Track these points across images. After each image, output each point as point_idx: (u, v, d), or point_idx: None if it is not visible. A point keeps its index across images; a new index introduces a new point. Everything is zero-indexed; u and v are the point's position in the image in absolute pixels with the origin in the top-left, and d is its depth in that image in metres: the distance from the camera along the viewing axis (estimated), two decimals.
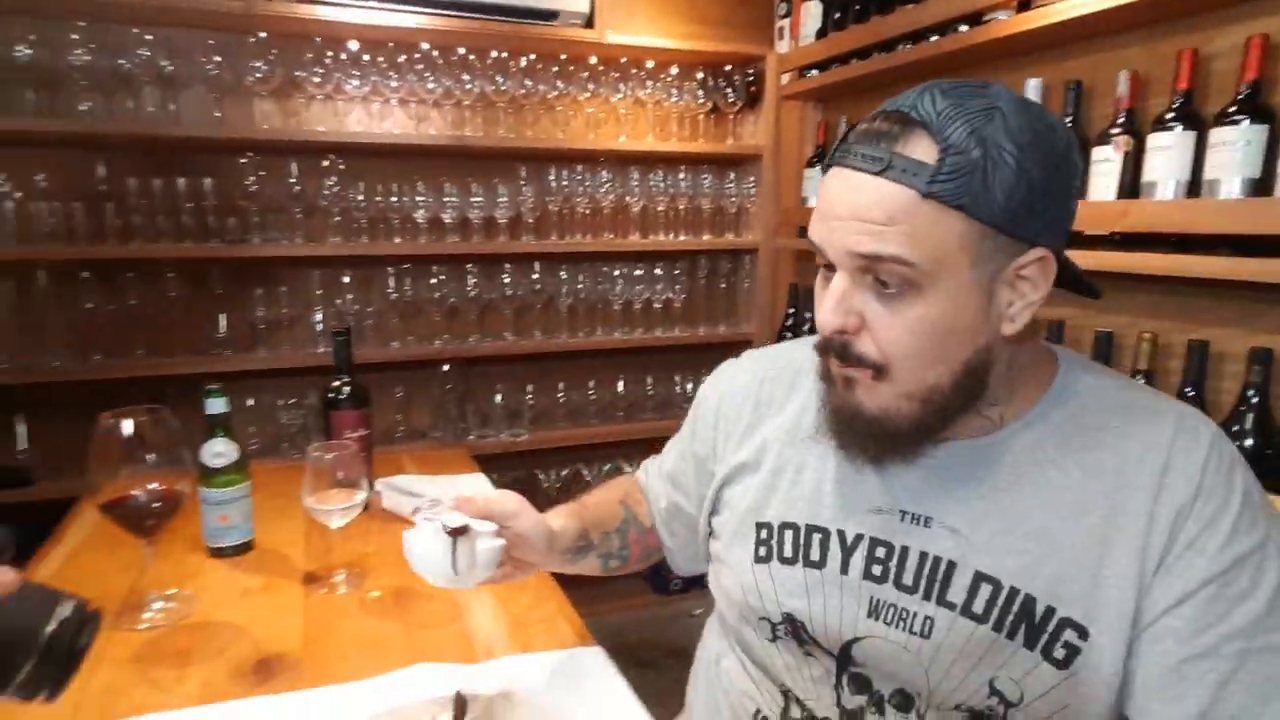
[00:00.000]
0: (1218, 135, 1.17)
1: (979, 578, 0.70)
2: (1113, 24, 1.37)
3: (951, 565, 0.71)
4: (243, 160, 2.03)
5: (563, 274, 2.37)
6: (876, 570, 0.75)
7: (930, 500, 0.73)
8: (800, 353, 0.89)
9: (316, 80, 2.05)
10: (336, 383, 1.38)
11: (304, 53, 2.04)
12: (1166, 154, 1.23)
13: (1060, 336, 1.47)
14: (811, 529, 0.79)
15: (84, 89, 1.87)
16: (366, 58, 2.09)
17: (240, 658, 0.94)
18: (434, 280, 2.24)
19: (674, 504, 0.99)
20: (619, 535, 0.98)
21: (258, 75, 2.00)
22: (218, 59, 1.97)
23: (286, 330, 2.14)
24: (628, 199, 2.40)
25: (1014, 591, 0.69)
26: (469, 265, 2.27)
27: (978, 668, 0.70)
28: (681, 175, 2.43)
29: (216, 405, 1.18)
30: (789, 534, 0.80)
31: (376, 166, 2.16)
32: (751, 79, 2.43)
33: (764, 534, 0.82)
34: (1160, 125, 1.24)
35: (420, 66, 2.14)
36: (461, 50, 2.17)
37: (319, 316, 2.13)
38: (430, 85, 2.15)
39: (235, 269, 2.06)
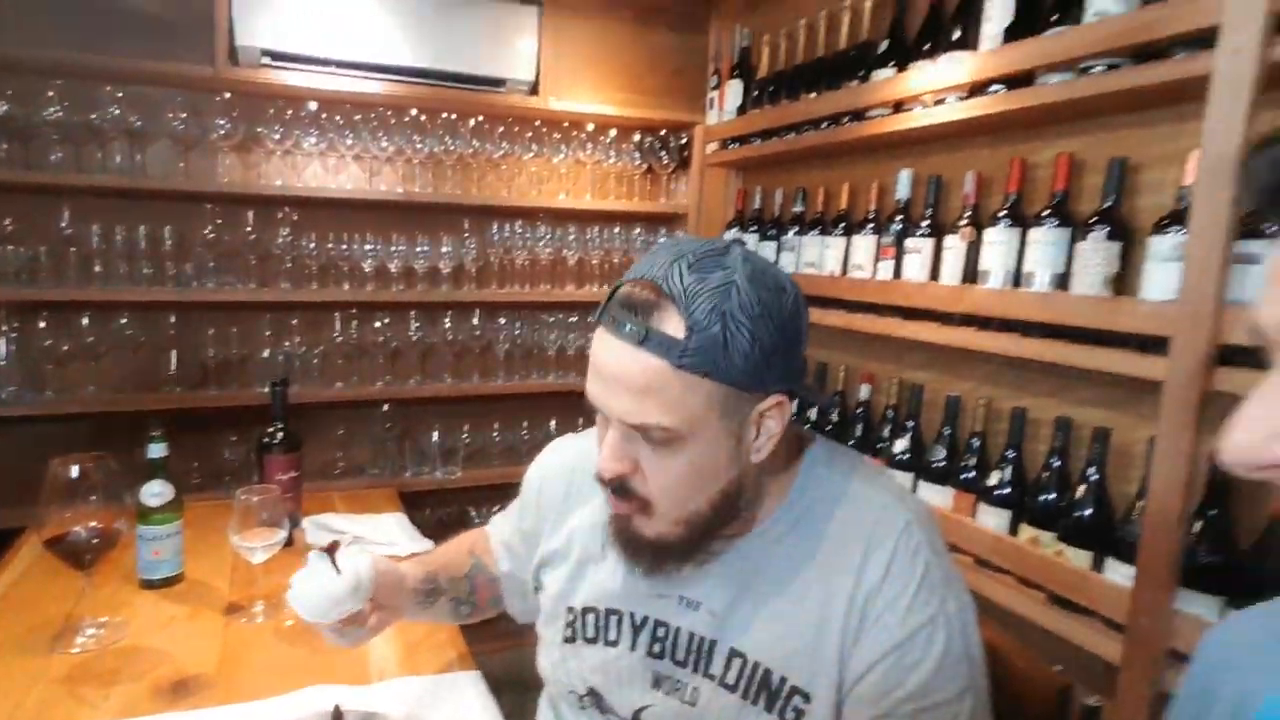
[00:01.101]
0: (1034, 235, 1.37)
1: (732, 653, 0.84)
2: (964, 130, 1.58)
3: (713, 643, 0.85)
4: (204, 209, 2.18)
5: (501, 321, 2.53)
6: (657, 648, 0.88)
7: (698, 587, 0.86)
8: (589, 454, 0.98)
9: (276, 137, 2.21)
10: (271, 429, 1.53)
11: (266, 111, 2.20)
12: (996, 247, 1.43)
13: (920, 397, 1.66)
14: (609, 612, 0.91)
15: (55, 141, 2.02)
16: (324, 116, 2.26)
17: (160, 679, 1.07)
18: (378, 324, 2.39)
19: (510, 571, 1.10)
20: (467, 580, 1.09)
21: (221, 131, 2.15)
22: (184, 115, 2.12)
23: (236, 369, 2.27)
24: (565, 252, 2.57)
25: (757, 665, 0.83)
26: (412, 312, 2.43)
27: None
28: (617, 230, 2.61)
29: (157, 450, 1.33)
30: (590, 617, 0.92)
31: (329, 218, 2.31)
32: (684, 144, 2.63)
33: (570, 617, 0.94)
34: (994, 221, 1.44)
35: (375, 125, 2.31)
36: (414, 112, 2.34)
37: (266, 355, 2.27)
38: (383, 144, 2.32)
39: (187, 311, 2.19)
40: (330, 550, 0.92)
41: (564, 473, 1.01)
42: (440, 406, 2.51)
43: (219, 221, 2.18)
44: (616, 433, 0.78)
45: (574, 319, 2.62)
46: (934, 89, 1.55)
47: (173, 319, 2.18)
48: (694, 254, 0.76)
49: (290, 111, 2.22)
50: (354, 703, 0.99)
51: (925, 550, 0.82)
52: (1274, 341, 0.41)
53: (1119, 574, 1.22)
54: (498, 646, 1.78)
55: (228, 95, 2.14)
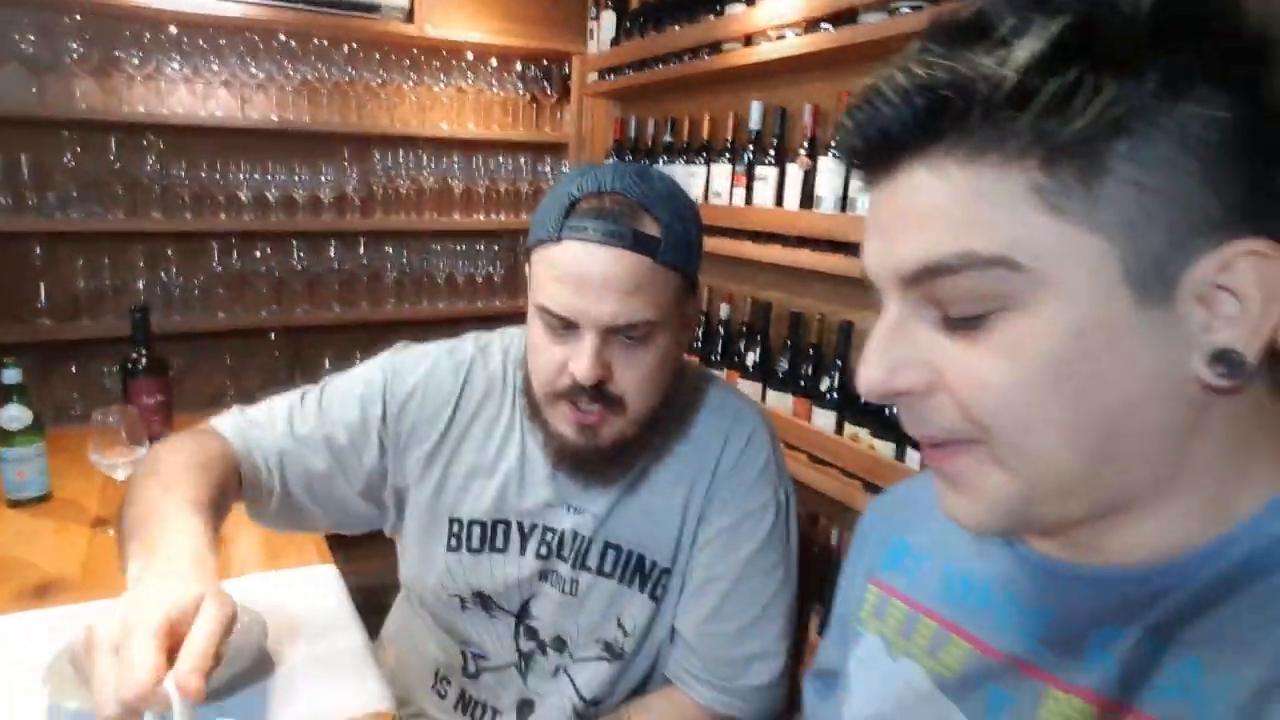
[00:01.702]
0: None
1: (607, 545, 0.97)
2: (802, 64, 1.68)
3: (590, 540, 0.98)
4: (61, 136, 2.11)
5: (389, 250, 2.56)
6: (544, 550, 0.99)
7: (585, 494, 0.97)
8: (485, 370, 1.02)
9: (136, 62, 2.15)
10: (135, 354, 1.56)
11: (122, 33, 2.13)
12: (826, 175, 1.55)
13: (768, 314, 1.80)
14: (497, 523, 0.99)
15: None
16: (187, 41, 2.20)
17: (24, 584, 1.14)
18: (259, 254, 2.39)
19: (329, 472, 0.98)
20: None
21: (75, 55, 2.08)
22: (32, 37, 2.04)
23: (111, 300, 2.24)
24: (450, 180, 2.60)
25: (631, 553, 0.97)
26: (295, 241, 2.43)
27: (609, 610, 0.98)
28: (501, 159, 2.64)
29: (11, 375, 1.35)
30: (476, 529, 0.99)
31: (200, 146, 2.27)
32: (567, 74, 2.66)
33: (455, 528, 1.00)
34: (825, 150, 1.56)
35: (243, 51, 2.26)
36: (283, 37, 2.30)
37: (142, 285, 2.25)
38: (253, 70, 2.28)
39: (54, 241, 2.15)
40: None
41: (450, 385, 1.01)
42: (332, 334, 2.55)
43: (79, 149, 2.12)
44: (595, 338, 0.83)
45: (461, 247, 2.66)
46: (776, 24, 1.65)
47: (38, 250, 2.13)
48: (630, 170, 0.86)
49: (149, 35, 2.15)
50: None
51: (768, 448, 0.98)
52: (878, 286, 0.46)
53: (915, 459, 1.40)
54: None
55: (78, 16, 2.06)
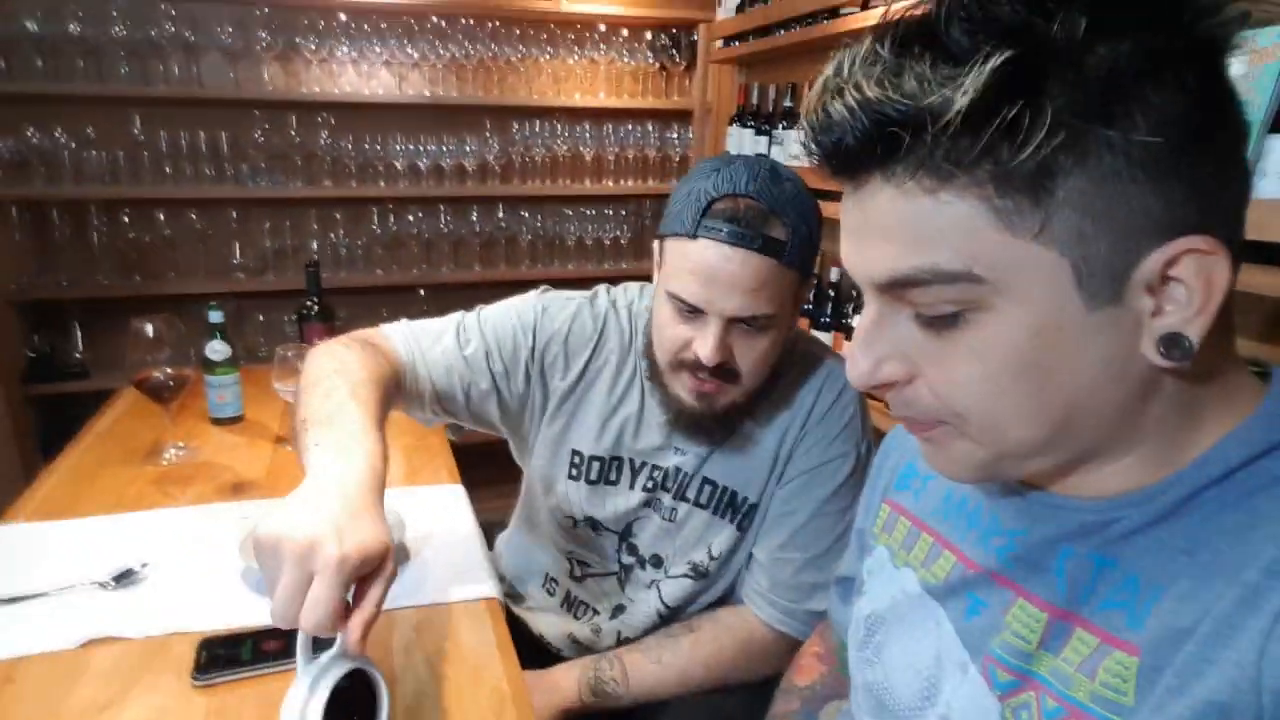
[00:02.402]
0: None
1: (704, 481, 1.10)
2: None
3: (690, 475, 1.10)
4: (252, 115, 2.45)
5: (524, 214, 2.76)
6: (650, 484, 1.12)
7: (690, 438, 1.09)
8: (622, 319, 1.12)
9: (312, 47, 2.44)
10: (308, 303, 1.83)
11: (301, 22, 2.43)
12: None
13: None
14: (613, 459, 1.12)
15: (121, 57, 2.30)
16: (354, 27, 2.47)
17: (224, 483, 1.40)
18: (412, 218, 2.65)
19: (462, 370, 1.07)
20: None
21: (264, 43, 2.39)
22: (230, 29, 2.37)
23: (290, 258, 2.58)
24: (581, 149, 2.76)
25: (725, 489, 1.09)
26: (442, 206, 2.68)
27: (702, 538, 1.11)
28: (631, 128, 2.77)
29: (216, 316, 1.64)
30: (595, 464, 1.12)
31: (363, 121, 2.55)
32: (694, 41, 2.74)
33: (576, 459, 1.13)
34: None
35: (400, 34, 2.51)
36: (435, 18, 2.53)
37: (315, 247, 2.57)
38: (409, 51, 2.52)
39: (246, 207, 2.50)
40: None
41: (589, 329, 1.12)
42: (473, 292, 2.77)
43: (266, 126, 2.44)
44: (720, 326, 0.92)
45: (591, 212, 2.83)
46: None
47: (234, 214, 2.49)
48: (763, 169, 0.93)
49: (323, 23, 2.43)
50: None
51: (854, 405, 1.07)
52: (857, 284, 0.50)
53: None
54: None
55: (266, 9, 2.37)
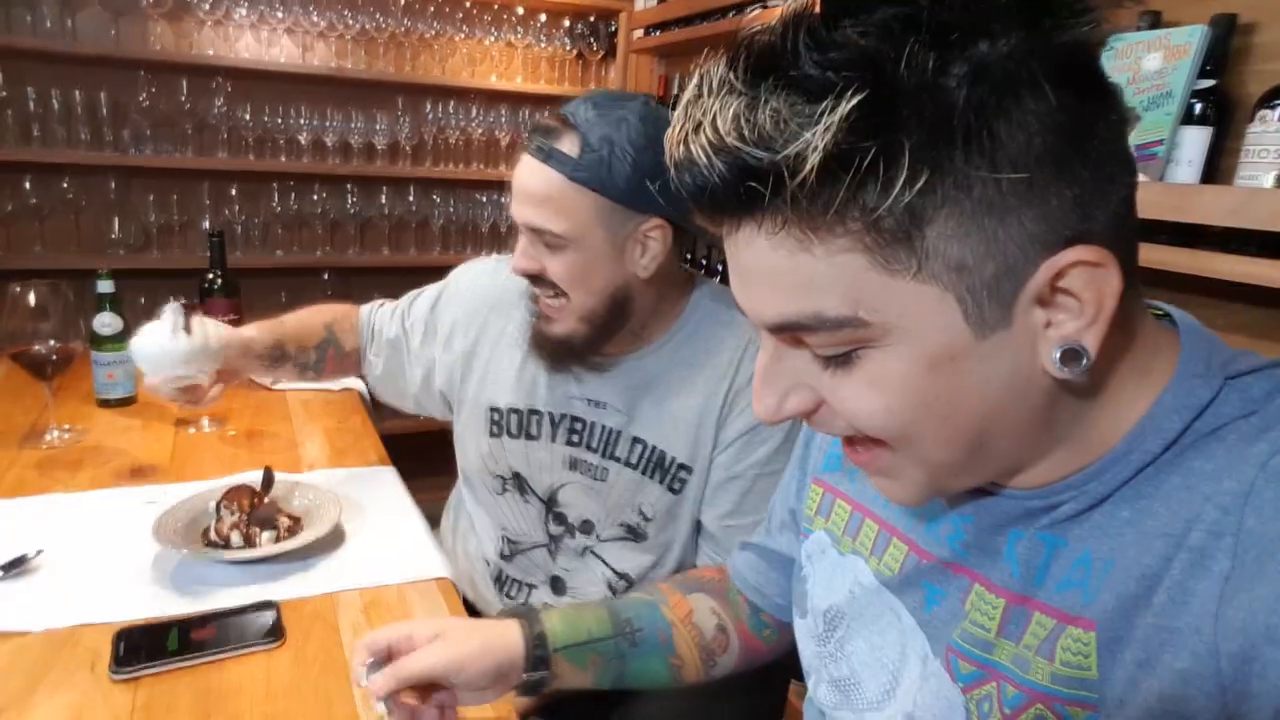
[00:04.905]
0: None
1: (634, 440, 1.08)
2: None
3: (618, 433, 1.09)
4: (137, 76, 2.24)
5: (436, 198, 2.67)
6: (574, 439, 1.11)
7: (605, 392, 1.09)
8: (519, 281, 1.11)
9: (206, 7, 2.26)
10: (210, 275, 1.68)
11: None
12: None
13: None
14: (531, 412, 1.13)
15: None
16: None
17: (121, 466, 1.27)
18: (316, 197, 2.51)
19: (397, 342, 1.25)
20: (316, 351, 1.25)
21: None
22: None
23: (178, 235, 2.39)
24: (498, 133, 2.69)
25: (654, 448, 1.07)
26: (349, 185, 2.55)
27: (633, 498, 1.09)
28: (548, 114, 2.72)
29: (105, 286, 1.48)
30: (514, 416, 1.13)
31: (263, 90, 2.39)
32: (614, 31, 2.73)
33: (495, 416, 1.14)
34: None
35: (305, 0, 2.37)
36: None
37: (207, 223, 2.39)
38: (315, 18, 2.38)
39: (128, 177, 2.29)
40: (188, 309, 0.99)
41: (492, 291, 1.18)
42: (380, 276, 2.66)
43: (153, 89, 2.25)
44: (523, 238, 0.99)
45: (506, 199, 2.76)
46: None
47: (113, 184, 2.27)
48: (603, 97, 0.96)
49: None
50: (282, 481, 1.20)
51: None
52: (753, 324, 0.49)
53: None
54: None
55: None
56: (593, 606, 0.80)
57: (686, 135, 0.42)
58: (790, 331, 0.45)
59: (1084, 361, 0.42)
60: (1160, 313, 0.52)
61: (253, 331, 1.20)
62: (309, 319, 1.28)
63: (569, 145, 0.93)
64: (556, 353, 1.05)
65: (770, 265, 0.43)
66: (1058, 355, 0.43)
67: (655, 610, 0.81)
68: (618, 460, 1.09)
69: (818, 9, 0.40)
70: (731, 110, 0.40)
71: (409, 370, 1.26)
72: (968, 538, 0.55)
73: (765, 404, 0.49)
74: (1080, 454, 0.48)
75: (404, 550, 1.08)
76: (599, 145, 0.92)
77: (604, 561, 1.13)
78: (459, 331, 1.19)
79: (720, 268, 2.17)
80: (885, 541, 0.62)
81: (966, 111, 0.38)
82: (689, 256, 2.30)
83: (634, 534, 1.11)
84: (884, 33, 0.38)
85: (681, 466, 1.07)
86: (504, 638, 0.72)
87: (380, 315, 1.30)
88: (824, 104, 0.37)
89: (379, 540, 1.09)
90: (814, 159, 0.38)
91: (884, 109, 0.37)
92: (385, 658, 0.69)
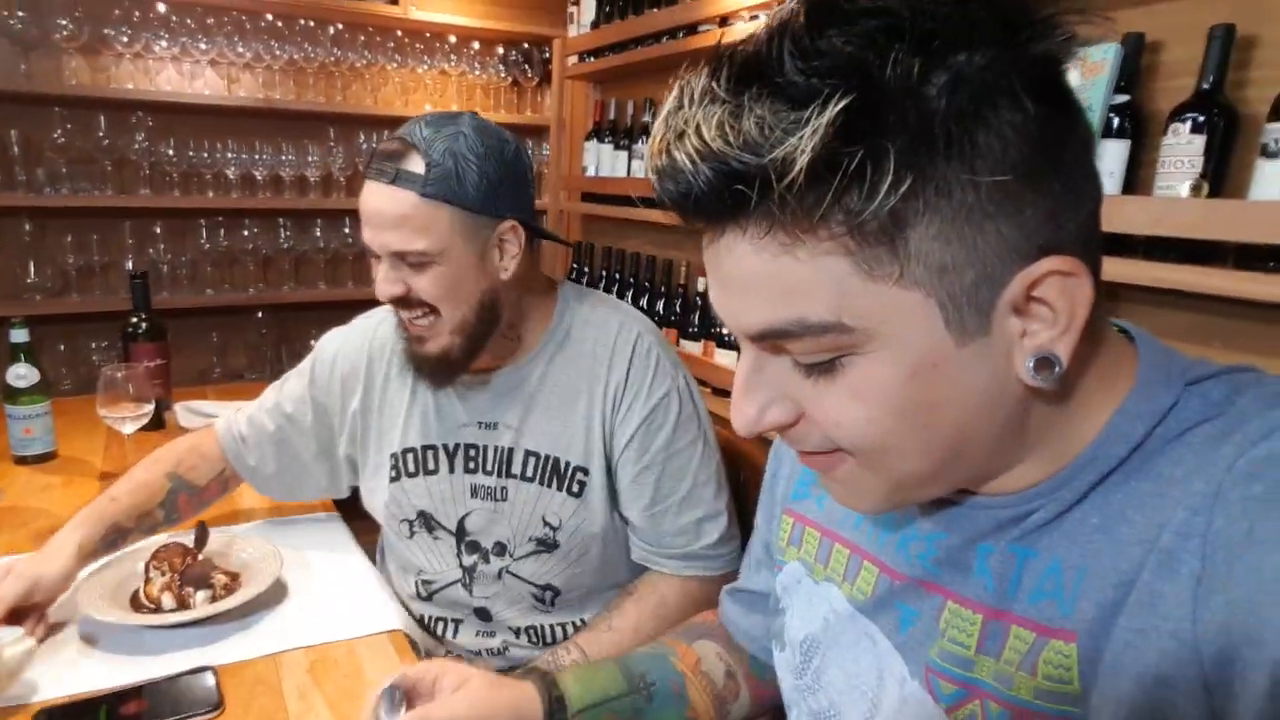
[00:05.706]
0: None
1: (527, 454, 1.08)
2: None
3: (511, 450, 1.08)
4: (51, 113, 2.14)
5: None
6: (471, 465, 1.10)
7: (494, 411, 1.09)
8: (385, 328, 1.16)
9: (124, 39, 2.18)
10: (135, 319, 1.61)
11: (111, 11, 2.16)
12: None
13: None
14: (425, 448, 1.11)
15: None
16: (175, 20, 2.24)
17: (41, 528, 1.19)
18: (247, 233, 2.43)
19: (283, 433, 1.18)
20: (163, 508, 1.13)
21: (65, 32, 2.11)
22: (21, 13, 2.06)
23: (99, 276, 2.28)
24: None
25: (547, 457, 1.07)
26: (281, 219, 2.48)
27: (535, 510, 1.08)
28: None
29: (19, 335, 1.40)
30: (410, 455, 1.12)
31: (188, 124, 2.31)
32: (548, 58, 2.72)
33: (394, 460, 1.13)
34: None
35: (230, 30, 2.30)
36: (269, 17, 2.35)
37: (130, 265, 2.29)
38: (240, 49, 2.32)
39: (43, 218, 2.18)
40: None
41: (363, 346, 1.17)
42: (317, 311, 2.59)
43: (68, 126, 2.15)
44: (385, 264, 0.98)
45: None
46: (750, 5, 1.73)
47: (27, 226, 2.16)
48: (434, 116, 0.98)
49: (138, 13, 2.19)
50: (218, 536, 1.14)
51: (655, 348, 1.08)
52: (734, 333, 0.48)
53: None
54: None
55: None
56: (605, 663, 0.79)
57: (669, 143, 0.42)
58: (773, 339, 0.45)
59: (1056, 369, 0.44)
60: (1116, 327, 0.53)
61: (79, 532, 1.01)
62: (147, 478, 1.13)
63: (415, 164, 0.94)
64: (436, 371, 1.04)
65: (754, 271, 0.43)
66: (1031, 364, 0.44)
67: (665, 662, 0.80)
68: (514, 477, 1.09)
69: (801, 19, 0.40)
70: (716, 118, 0.40)
71: (303, 454, 1.20)
72: (939, 554, 0.55)
73: (744, 415, 0.49)
74: (1050, 461, 0.49)
75: (352, 602, 1.03)
76: (443, 159, 0.94)
77: (522, 579, 1.11)
78: (348, 394, 1.17)
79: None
80: (856, 565, 0.62)
81: (948, 118, 0.39)
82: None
83: (545, 545, 1.10)
84: (869, 41, 0.38)
85: (578, 469, 1.07)
86: (527, 696, 0.72)
87: (244, 420, 1.20)
88: (810, 109, 0.38)
89: (324, 593, 1.04)
90: (802, 161, 0.38)
91: (870, 114, 0.38)
92: (404, 694, 0.68)
